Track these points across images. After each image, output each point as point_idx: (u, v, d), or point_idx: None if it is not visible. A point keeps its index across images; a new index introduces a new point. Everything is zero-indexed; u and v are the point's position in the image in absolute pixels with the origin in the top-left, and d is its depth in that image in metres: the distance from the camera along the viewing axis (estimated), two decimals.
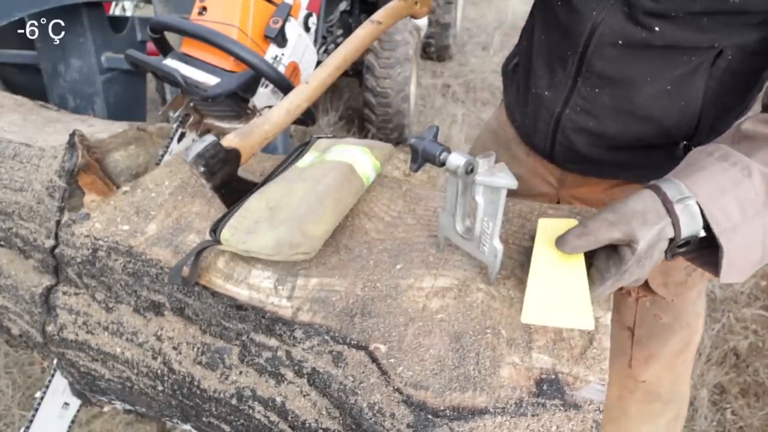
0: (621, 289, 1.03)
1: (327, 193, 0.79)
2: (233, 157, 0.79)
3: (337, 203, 0.80)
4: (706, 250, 0.67)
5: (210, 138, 0.77)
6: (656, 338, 1.05)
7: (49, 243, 0.91)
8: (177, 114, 0.98)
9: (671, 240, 0.65)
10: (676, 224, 0.64)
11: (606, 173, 0.99)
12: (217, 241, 0.77)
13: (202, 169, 0.75)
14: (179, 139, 1.00)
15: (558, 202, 1.08)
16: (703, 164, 0.68)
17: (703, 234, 0.65)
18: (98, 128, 1.06)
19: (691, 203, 0.64)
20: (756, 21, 0.77)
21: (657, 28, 0.80)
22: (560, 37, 0.92)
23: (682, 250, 0.67)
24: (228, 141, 0.79)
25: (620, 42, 0.83)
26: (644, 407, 1.11)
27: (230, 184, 0.80)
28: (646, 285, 1.01)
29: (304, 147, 0.92)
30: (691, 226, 0.64)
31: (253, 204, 0.80)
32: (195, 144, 0.76)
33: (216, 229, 0.77)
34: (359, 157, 0.86)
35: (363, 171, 0.86)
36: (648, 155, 0.92)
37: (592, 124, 0.92)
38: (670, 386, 1.11)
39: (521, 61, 1.08)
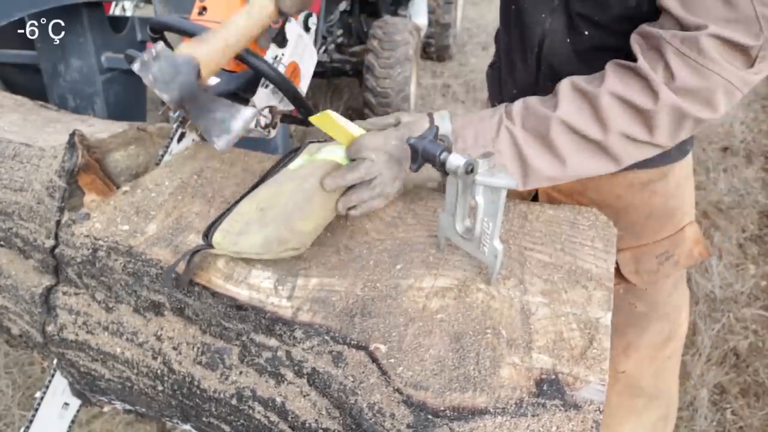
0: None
1: (314, 191, 0.79)
2: (188, 65, 0.74)
3: (326, 200, 0.80)
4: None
5: (159, 45, 0.73)
6: (633, 327, 1.07)
7: (49, 243, 0.91)
8: (177, 114, 0.98)
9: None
10: (431, 121, 0.84)
11: None
12: (210, 245, 0.77)
13: (150, 77, 0.72)
14: (179, 139, 1.00)
15: (537, 192, 1.10)
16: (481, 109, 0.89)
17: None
18: (98, 128, 1.06)
19: (446, 118, 0.85)
20: None
21: (586, 32, 0.86)
22: (519, 38, 0.98)
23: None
24: (180, 49, 0.75)
25: (568, 40, 0.89)
26: (626, 401, 1.12)
27: (196, 98, 0.75)
28: (618, 272, 1.03)
29: (296, 151, 0.92)
30: (442, 126, 0.83)
31: (244, 207, 0.80)
32: (145, 53, 0.72)
33: (208, 233, 0.78)
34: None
35: None
36: None
37: None
38: (653, 381, 1.12)
39: (495, 61, 1.14)
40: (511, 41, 1.02)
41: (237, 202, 0.82)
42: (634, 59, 0.79)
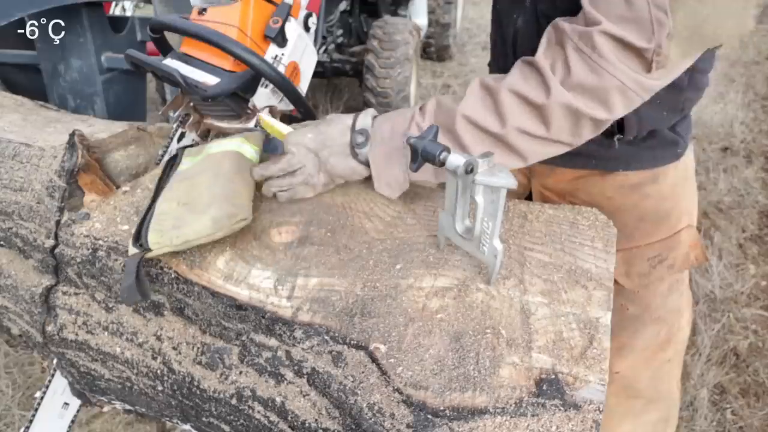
0: None
1: (231, 175, 0.85)
2: None
3: (245, 180, 0.86)
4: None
5: None
6: (626, 329, 1.06)
7: (49, 243, 0.91)
8: (177, 114, 0.98)
9: (351, 131, 0.86)
10: (355, 117, 0.87)
11: (562, 163, 1.00)
12: (147, 249, 0.77)
13: None
14: (179, 139, 1.00)
15: (530, 192, 1.10)
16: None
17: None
18: (98, 128, 1.06)
19: (369, 113, 0.87)
20: None
21: None
22: (500, 36, 1.00)
23: (359, 140, 0.85)
24: None
25: (538, 40, 0.89)
26: (622, 402, 1.11)
27: None
28: None
29: (173, 160, 0.95)
30: (362, 121, 0.86)
31: (164, 207, 0.82)
32: None
33: (138, 239, 0.79)
34: (241, 145, 0.91)
35: (250, 155, 0.91)
36: (591, 145, 0.91)
37: None
38: (650, 383, 1.11)
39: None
40: (496, 41, 1.04)
41: (149, 208, 0.84)
42: None
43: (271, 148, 0.98)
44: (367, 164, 0.86)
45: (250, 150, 0.92)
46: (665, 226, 1.01)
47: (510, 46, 0.97)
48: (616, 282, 1.02)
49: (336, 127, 0.87)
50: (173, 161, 0.94)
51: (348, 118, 0.88)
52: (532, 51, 0.91)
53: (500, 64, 1.04)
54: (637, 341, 1.07)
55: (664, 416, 1.17)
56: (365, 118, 0.86)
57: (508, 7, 0.96)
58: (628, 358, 1.08)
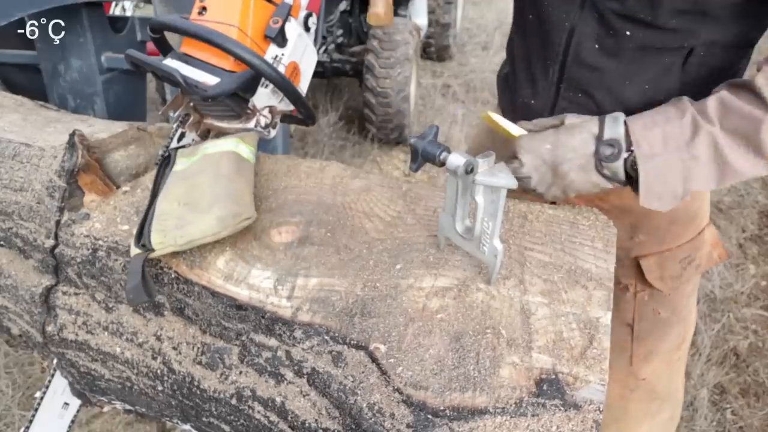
0: (619, 283, 1.04)
1: (232, 175, 0.85)
2: None
3: (246, 179, 0.86)
4: (636, 181, 0.78)
5: None
6: (653, 333, 1.06)
7: (49, 243, 0.91)
8: (177, 114, 0.98)
9: (597, 142, 0.78)
10: (601, 124, 0.79)
11: None
12: (150, 249, 0.77)
13: None
14: (179, 139, 1.00)
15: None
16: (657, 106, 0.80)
17: (626, 154, 0.77)
18: (98, 128, 1.06)
19: (619, 120, 0.78)
20: (722, 15, 0.78)
21: (628, 32, 0.83)
22: (538, 47, 0.95)
23: (608, 152, 0.77)
24: None
25: (596, 47, 0.86)
26: (644, 406, 1.12)
27: None
28: (643, 279, 1.02)
29: (166, 162, 0.94)
30: (612, 130, 0.78)
31: (164, 206, 0.82)
32: None
33: (140, 239, 0.79)
34: (237, 145, 0.91)
35: (246, 155, 0.91)
36: None
37: None
38: (667, 383, 1.12)
39: (509, 70, 1.10)
40: (531, 52, 0.98)
41: (148, 208, 0.84)
42: (681, 55, 0.78)
43: (270, 148, 0.98)
44: (612, 179, 0.79)
45: (246, 150, 0.92)
46: (693, 226, 1.00)
47: (556, 57, 0.92)
48: (651, 286, 1.01)
49: (578, 135, 0.79)
50: (167, 162, 0.94)
51: (593, 125, 0.80)
52: (592, 60, 0.87)
53: (536, 77, 0.98)
54: (663, 344, 1.07)
55: (672, 413, 1.18)
56: (616, 127, 0.78)
57: (556, 14, 0.90)
58: (653, 362, 1.08)
